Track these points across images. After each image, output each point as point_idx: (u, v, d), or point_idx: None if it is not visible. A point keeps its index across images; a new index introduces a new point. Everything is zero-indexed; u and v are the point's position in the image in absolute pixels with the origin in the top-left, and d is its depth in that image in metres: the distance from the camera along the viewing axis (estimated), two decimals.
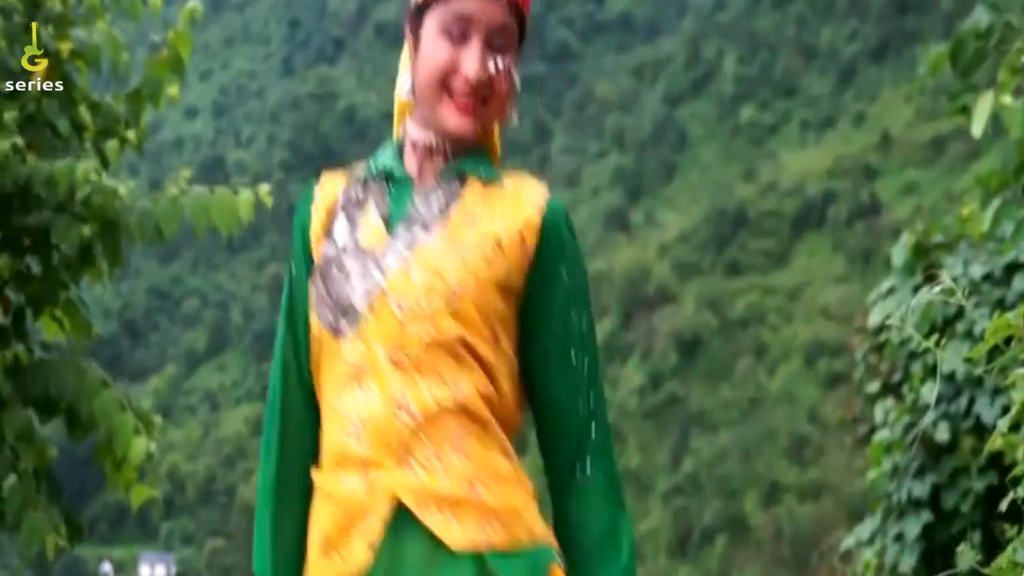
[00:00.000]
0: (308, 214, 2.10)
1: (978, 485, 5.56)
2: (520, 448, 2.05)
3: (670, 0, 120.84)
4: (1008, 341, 2.61)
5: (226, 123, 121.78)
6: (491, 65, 1.99)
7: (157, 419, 4.64)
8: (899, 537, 5.92)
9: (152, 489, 4.72)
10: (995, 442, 2.79)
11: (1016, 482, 2.82)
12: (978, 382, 5.52)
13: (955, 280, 2.66)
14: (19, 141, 4.39)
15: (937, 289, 2.64)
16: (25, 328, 4.67)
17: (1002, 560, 2.75)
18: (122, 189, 4.50)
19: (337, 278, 2.00)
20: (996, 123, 4.72)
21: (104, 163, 4.75)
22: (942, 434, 5.65)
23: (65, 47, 4.69)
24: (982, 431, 5.48)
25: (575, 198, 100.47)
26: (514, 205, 2.02)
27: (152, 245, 4.61)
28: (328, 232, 2.06)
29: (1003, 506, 2.89)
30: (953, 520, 5.74)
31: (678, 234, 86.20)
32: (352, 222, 2.05)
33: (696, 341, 76.59)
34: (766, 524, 60.97)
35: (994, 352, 2.63)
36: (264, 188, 4.57)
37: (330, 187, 2.11)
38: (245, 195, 4.54)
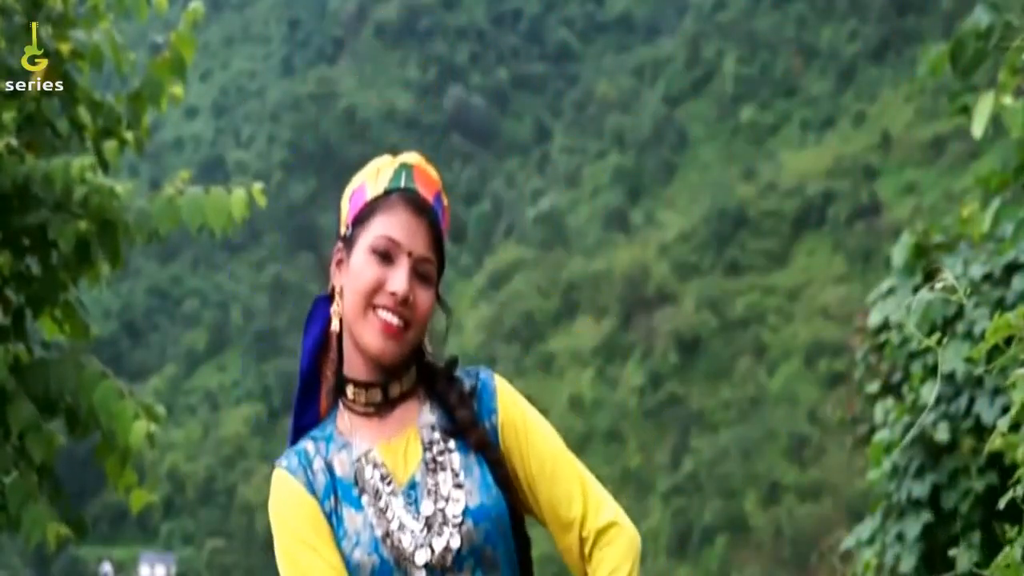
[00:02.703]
0: None
1: (978, 485, 5.55)
2: None
3: (670, 0, 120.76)
4: (1008, 341, 2.61)
5: (226, 123, 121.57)
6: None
7: (160, 409, 4.62)
8: (899, 537, 5.92)
9: (151, 494, 4.71)
10: (995, 442, 2.79)
11: (1017, 483, 2.82)
12: (978, 382, 5.51)
13: (955, 280, 2.65)
14: (13, 141, 4.38)
15: (939, 286, 2.63)
16: (25, 328, 4.66)
17: (1002, 560, 2.75)
18: (119, 188, 4.49)
19: None
20: (996, 123, 4.73)
21: (103, 163, 4.74)
22: (942, 434, 5.64)
23: (65, 47, 4.68)
24: (982, 431, 5.47)
25: (575, 198, 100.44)
26: None
27: (149, 243, 4.59)
28: None
29: (1002, 506, 2.88)
30: (953, 520, 5.73)
31: (678, 234, 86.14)
32: None
33: (696, 341, 76.56)
34: (766, 524, 60.97)
35: (994, 352, 2.62)
36: (257, 186, 4.55)
37: None
38: (238, 194, 4.51)
